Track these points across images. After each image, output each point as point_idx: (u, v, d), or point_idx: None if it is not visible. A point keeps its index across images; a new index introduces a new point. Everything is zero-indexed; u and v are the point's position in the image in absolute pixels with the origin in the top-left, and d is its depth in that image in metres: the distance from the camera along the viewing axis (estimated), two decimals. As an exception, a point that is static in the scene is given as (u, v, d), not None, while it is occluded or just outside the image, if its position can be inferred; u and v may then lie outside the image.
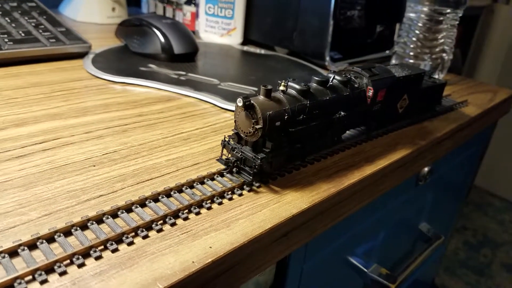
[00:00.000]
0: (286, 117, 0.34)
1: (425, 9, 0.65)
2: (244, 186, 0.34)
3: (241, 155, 0.35)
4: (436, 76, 0.69)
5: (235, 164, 0.35)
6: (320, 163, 0.40)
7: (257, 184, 0.35)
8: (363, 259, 0.55)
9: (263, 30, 0.79)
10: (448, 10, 0.64)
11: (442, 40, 0.67)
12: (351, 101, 0.41)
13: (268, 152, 0.34)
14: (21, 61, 0.55)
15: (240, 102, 0.33)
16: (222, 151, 0.37)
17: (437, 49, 0.67)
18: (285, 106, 0.34)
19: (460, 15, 0.66)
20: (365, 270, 0.55)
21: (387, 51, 0.82)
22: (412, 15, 0.67)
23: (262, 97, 0.34)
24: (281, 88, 0.36)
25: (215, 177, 0.35)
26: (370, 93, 0.42)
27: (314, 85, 0.38)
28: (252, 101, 0.33)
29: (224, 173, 0.36)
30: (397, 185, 0.46)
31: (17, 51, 0.54)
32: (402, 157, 0.43)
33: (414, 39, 0.67)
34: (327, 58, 0.68)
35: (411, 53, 0.68)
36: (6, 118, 0.41)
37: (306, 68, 0.70)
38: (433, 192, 0.69)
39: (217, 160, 0.38)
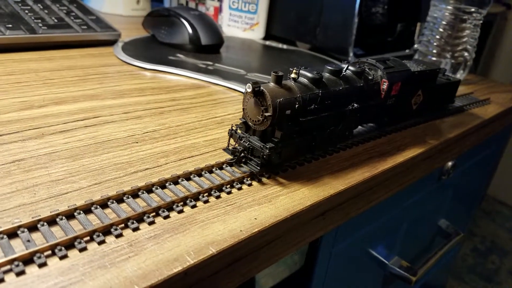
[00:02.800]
0: (297, 105, 0.32)
1: (450, 7, 0.65)
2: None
3: (248, 144, 0.33)
4: (458, 75, 0.70)
5: (242, 153, 0.34)
6: (352, 150, 0.41)
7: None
8: (384, 251, 0.55)
9: (285, 25, 0.80)
10: (473, 9, 0.65)
11: (465, 39, 0.68)
12: (365, 93, 0.39)
13: (277, 142, 0.32)
14: (54, 45, 0.57)
15: (249, 88, 0.31)
16: (229, 140, 0.36)
17: (460, 48, 0.68)
18: (296, 94, 0.33)
19: (484, 15, 0.67)
20: (386, 262, 0.55)
21: (407, 50, 0.83)
22: (436, 13, 0.67)
23: (272, 84, 0.32)
24: (292, 75, 0.34)
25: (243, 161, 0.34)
26: (384, 86, 0.40)
27: (326, 74, 0.37)
28: (262, 88, 0.31)
29: (233, 163, 0.34)
30: (424, 175, 0.47)
31: (51, 36, 0.56)
32: (432, 147, 0.44)
33: (437, 37, 0.67)
34: (351, 54, 0.69)
35: (434, 51, 0.68)
36: (45, 96, 0.42)
37: (329, 63, 0.71)
38: (453, 189, 0.69)
39: (224, 150, 0.36)
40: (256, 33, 0.81)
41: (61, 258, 0.23)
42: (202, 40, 0.64)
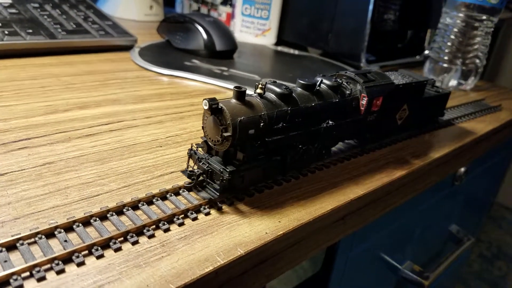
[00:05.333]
0: (261, 124, 0.30)
1: (461, 15, 0.66)
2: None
3: (207, 167, 0.30)
4: (469, 82, 0.71)
5: (200, 177, 0.30)
6: (369, 155, 0.41)
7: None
8: (397, 255, 0.56)
9: (297, 31, 0.81)
10: (484, 17, 0.66)
11: (476, 46, 0.68)
12: (341, 110, 0.36)
13: (238, 165, 0.30)
14: (72, 50, 0.58)
15: (206, 105, 0.28)
16: (188, 161, 0.32)
17: (471, 55, 0.69)
18: (261, 112, 0.30)
19: (495, 22, 0.68)
20: (399, 266, 0.56)
21: (417, 57, 0.84)
22: (448, 21, 0.68)
23: (234, 100, 0.29)
24: (258, 91, 0.31)
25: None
26: (364, 101, 0.37)
27: (298, 89, 0.34)
28: (220, 105, 0.28)
29: (185, 189, 0.31)
30: (438, 181, 0.48)
31: (71, 41, 0.57)
32: (447, 153, 0.45)
33: (449, 44, 0.68)
34: (363, 60, 0.70)
35: (446, 58, 0.69)
36: (69, 101, 0.43)
37: (341, 69, 0.71)
38: (465, 195, 0.70)
39: (182, 172, 0.33)
40: (268, 39, 0.82)
41: (98, 257, 0.24)
42: (216, 46, 0.65)
